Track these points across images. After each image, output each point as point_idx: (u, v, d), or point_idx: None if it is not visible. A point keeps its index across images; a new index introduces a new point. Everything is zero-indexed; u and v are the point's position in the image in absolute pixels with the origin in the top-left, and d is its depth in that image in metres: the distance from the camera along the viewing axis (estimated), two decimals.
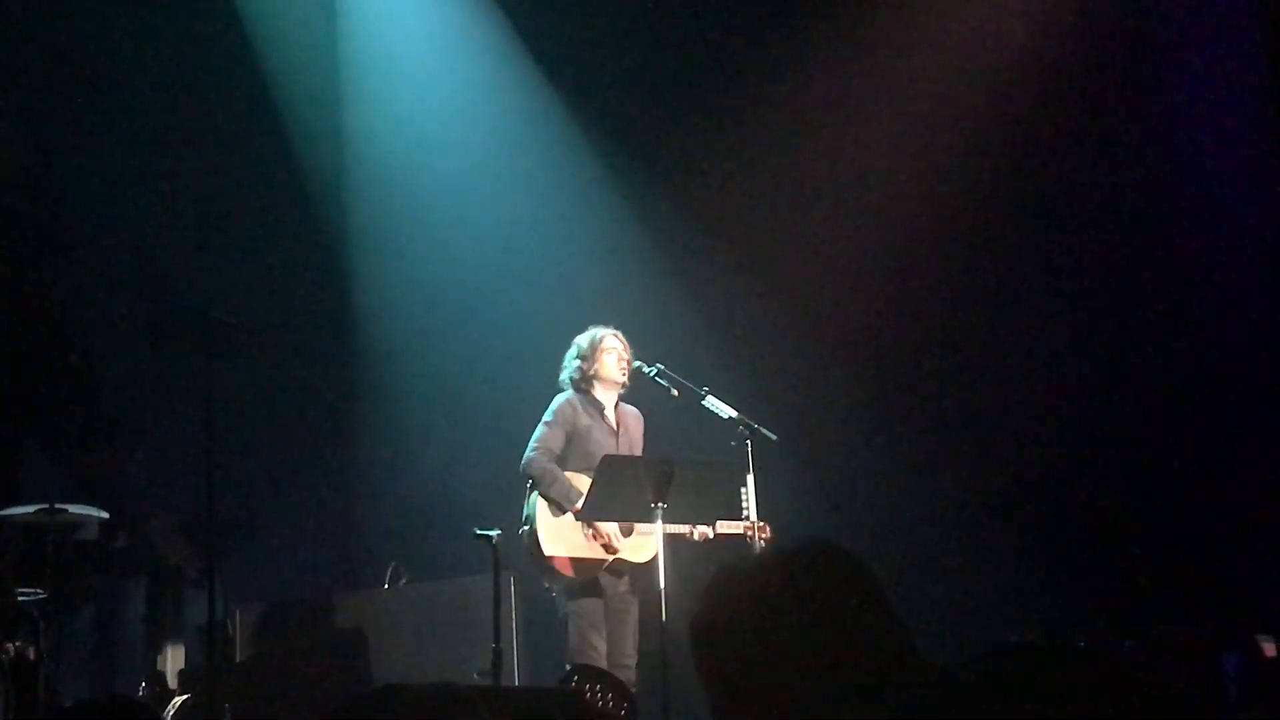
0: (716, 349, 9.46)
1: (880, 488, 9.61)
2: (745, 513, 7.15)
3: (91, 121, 9.60)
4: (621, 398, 7.81)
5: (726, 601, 2.21)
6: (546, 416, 7.61)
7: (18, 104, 9.37)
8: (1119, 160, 9.47)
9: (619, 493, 6.90)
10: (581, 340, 7.78)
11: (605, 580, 7.46)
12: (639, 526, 7.33)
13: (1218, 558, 8.82)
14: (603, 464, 6.98)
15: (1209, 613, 8.14)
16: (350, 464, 10.37)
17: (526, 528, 7.39)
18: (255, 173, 10.00)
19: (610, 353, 7.70)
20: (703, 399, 7.35)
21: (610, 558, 7.38)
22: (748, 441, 7.16)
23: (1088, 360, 9.45)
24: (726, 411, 7.30)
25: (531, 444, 7.51)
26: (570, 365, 7.76)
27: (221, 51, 9.79)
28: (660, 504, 6.73)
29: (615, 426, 7.72)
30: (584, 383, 7.72)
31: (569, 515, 7.36)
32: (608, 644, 7.40)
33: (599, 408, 7.70)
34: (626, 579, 7.48)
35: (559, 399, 7.69)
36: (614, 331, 7.78)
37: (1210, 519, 8.96)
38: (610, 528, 7.39)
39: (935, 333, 9.76)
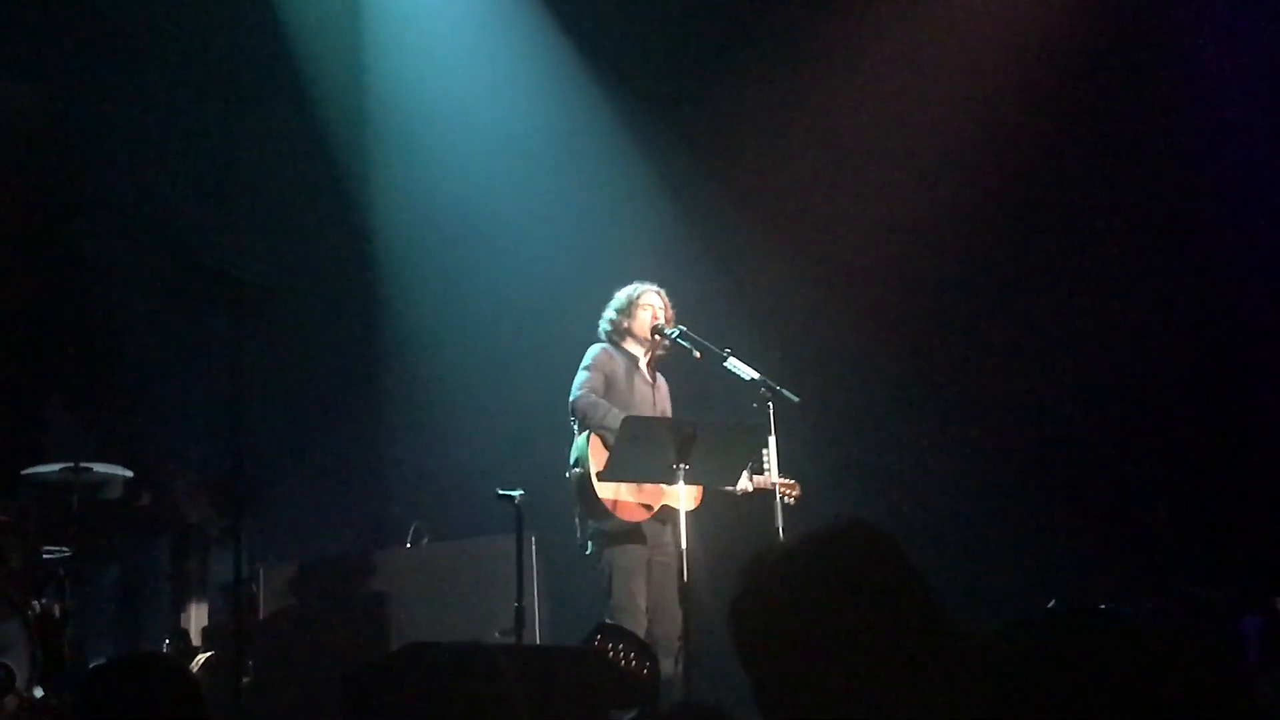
0: (738, 311, 9.46)
1: (903, 449, 9.63)
2: (767, 473, 7.14)
3: (114, 83, 9.61)
4: (659, 359, 7.82)
5: (762, 586, 2.23)
6: (584, 362, 7.61)
7: (40, 66, 9.38)
8: (1139, 118, 9.43)
9: (642, 453, 6.89)
10: (620, 294, 7.79)
11: (650, 529, 7.43)
12: None
13: (1239, 521, 8.82)
14: (625, 424, 6.97)
15: (1230, 576, 8.15)
16: (374, 424, 10.41)
17: (578, 470, 7.36)
18: (279, 133, 10.00)
19: (645, 309, 7.70)
20: (724, 361, 7.34)
21: (659, 504, 7.36)
22: (769, 403, 7.16)
23: (1110, 323, 9.43)
24: (748, 373, 7.29)
25: (575, 387, 7.50)
26: (606, 317, 7.78)
27: (243, 10, 9.78)
28: (683, 465, 6.73)
29: (650, 379, 7.73)
30: (617, 335, 7.74)
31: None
32: (654, 600, 7.39)
33: (633, 360, 7.72)
34: (670, 529, 7.45)
35: (594, 348, 7.69)
36: (655, 289, 7.77)
37: (1232, 482, 8.96)
38: None
39: (959, 296, 9.75)
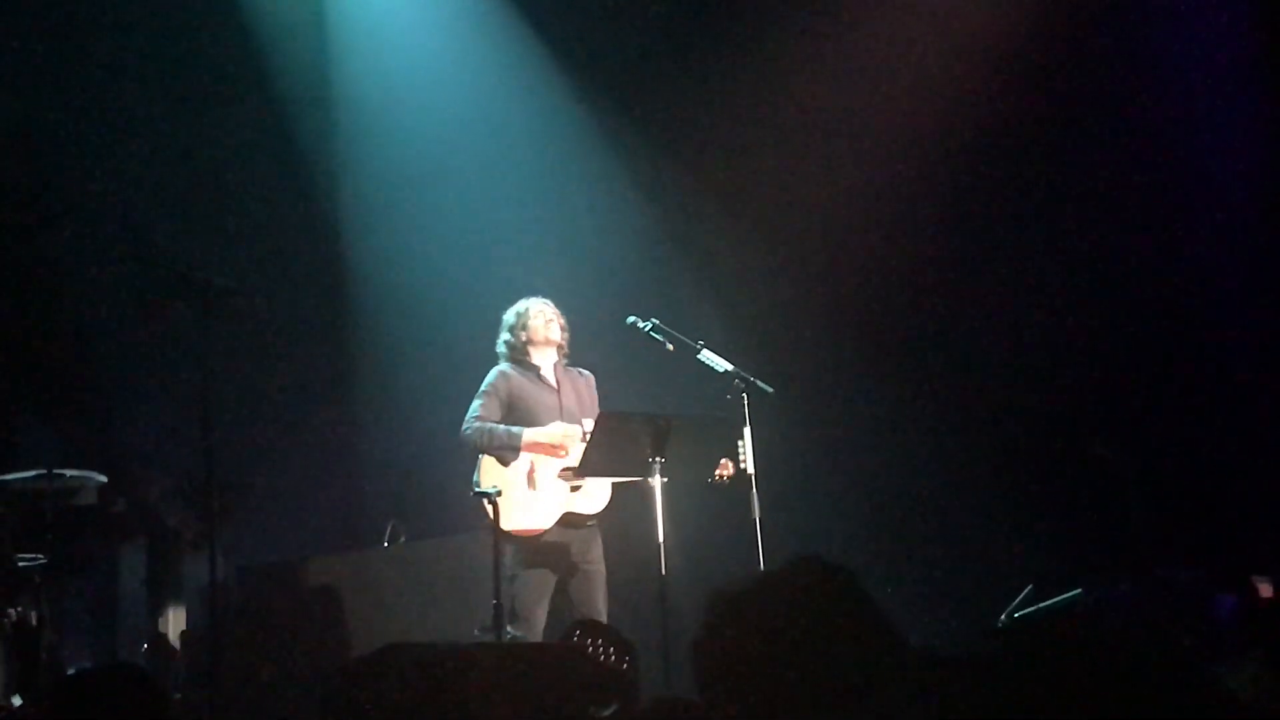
0: (711, 302, 9.47)
1: (875, 438, 9.64)
2: (744, 465, 7.15)
3: (79, 87, 9.56)
4: (571, 359, 7.88)
5: (722, 624, 2.29)
6: (480, 389, 7.65)
7: (4, 71, 9.32)
8: (1120, 107, 9.47)
9: (616, 449, 6.90)
10: (508, 315, 7.88)
11: (560, 535, 7.45)
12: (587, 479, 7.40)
13: (1214, 500, 8.86)
14: (600, 420, 6.99)
15: (1205, 555, 8.18)
16: (347, 423, 10.39)
17: (474, 493, 7.40)
18: (245, 134, 9.96)
19: (537, 315, 7.79)
20: (698, 353, 7.36)
21: (559, 513, 7.40)
22: (744, 394, 7.18)
23: (1082, 307, 9.47)
24: (722, 365, 7.31)
25: (466, 417, 7.54)
26: (501, 339, 7.83)
27: (209, 12, 9.74)
28: (658, 459, 6.74)
29: (554, 384, 7.74)
30: (517, 351, 7.77)
31: (514, 475, 7.37)
32: (580, 606, 7.43)
33: (535, 370, 7.74)
34: (586, 534, 7.51)
35: (492, 372, 7.74)
36: (541, 299, 7.87)
37: (1206, 461, 9.00)
38: (553, 480, 7.43)
39: (933, 286, 9.77)
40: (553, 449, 7.48)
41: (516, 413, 7.59)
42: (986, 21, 9.50)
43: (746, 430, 7.15)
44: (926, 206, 9.60)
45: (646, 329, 7.49)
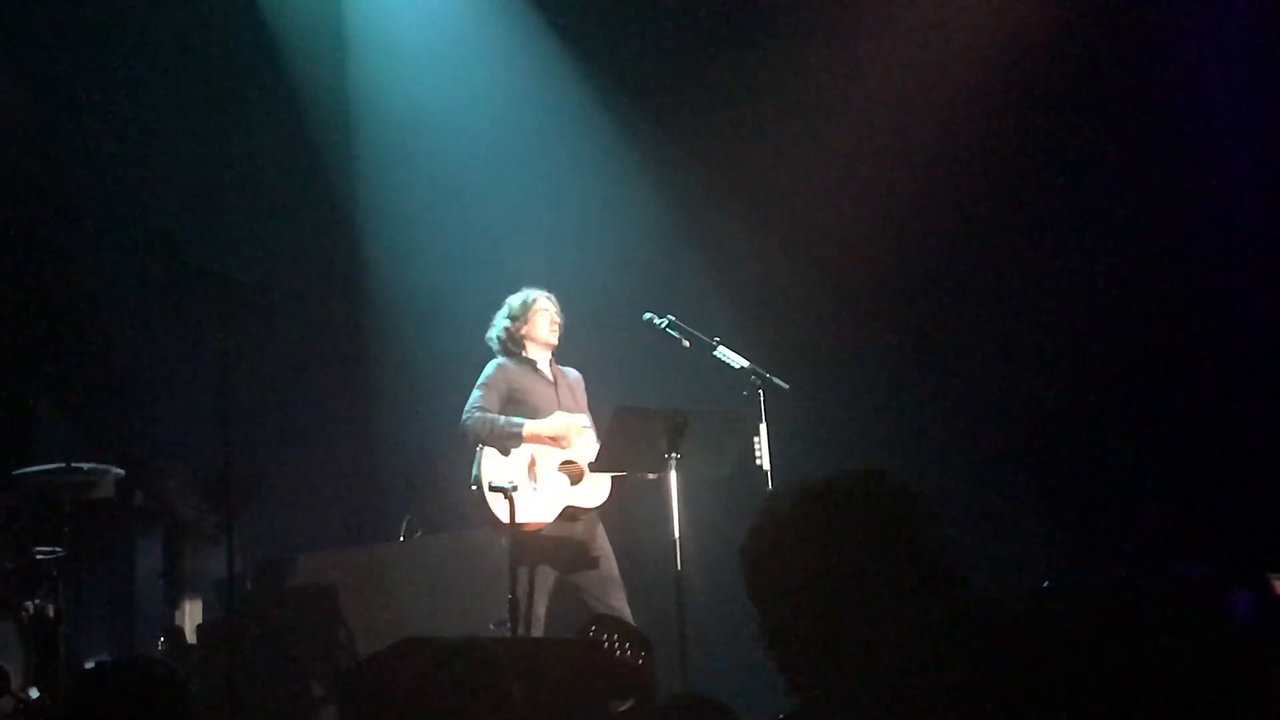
0: (727, 299, 9.47)
1: (890, 434, 9.63)
2: (759, 461, 7.16)
3: (102, 83, 9.60)
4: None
5: (776, 524, 2.22)
6: (479, 382, 7.64)
7: (29, 66, 9.36)
8: (1131, 105, 9.45)
9: (633, 445, 6.91)
10: (513, 300, 7.83)
11: (560, 529, 7.46)
12: (588, 471, 7.41)
13: (1230, 495, 8.84)
14: (616, 416, 7.00)
15: (1221, 551, 8.17)
16: (364, 418, 10.41)
17: (475, 488, 7.41)
18: (265, 130, 10.00)
19: (542, 314, 7.76)
20: (714, 350, 7.36)
21: (561, 506, 7.41)
22: (760, 391, 7.18)
23: (1097, 302, 9.44)
24: (738, 361, 7.31)
25: (466, 407, 7.55)
26: (499, 324, 7.81)
27: (229, 10, 9.77)
28: (674, 454, 6.75)
29: (552, 379, 7.76)
30: (513, 344, 7.76)
31: (513, 467, 7.39)
32: (593, 598, 7.43)
33: (531, 364, 7.75)
34: (586, 525, 7.52)
35: (490, 365, 7.73)
36: (546, 294, 7.84)
37: (1222, 456, 8.98)
38: (554, 474, 7.45)
39: (949, 281, 9.75)
40: (554, 440, 7.49)
41: (516, 406, 7.59)
42: (1001, 19, 9.49)
43: (762, 427, 7.15)
44: (943, 203, 9.58)
45: (663, 325, 7.48)
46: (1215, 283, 9.24)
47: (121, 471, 8.15)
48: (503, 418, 7.48)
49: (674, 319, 7.49)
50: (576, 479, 7.48)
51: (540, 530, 7.39)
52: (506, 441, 7.44)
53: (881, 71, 9.66)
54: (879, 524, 2.17)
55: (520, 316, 7.79)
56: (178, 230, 9.26)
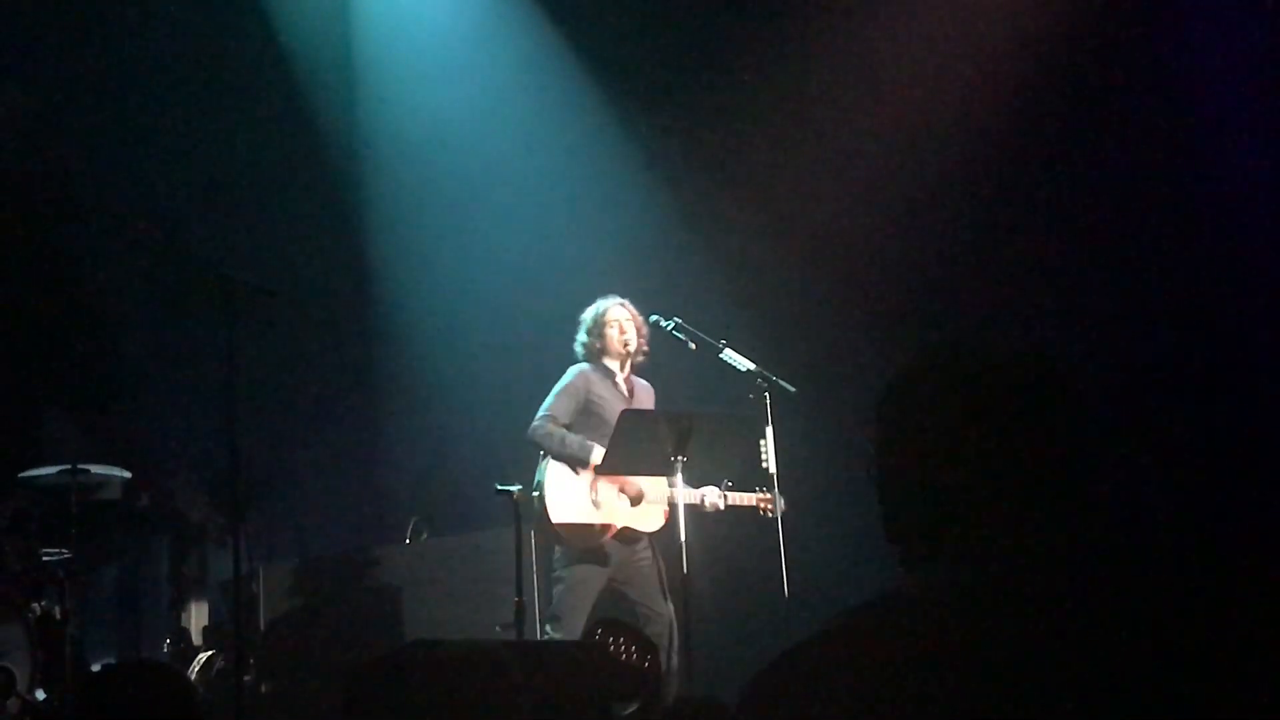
0: (734, 302, 9.46)
1: None
2: (765, 464, 7.15)
3: (109, 86, 9.61)
4: (639, 364, 7.83)
5: (916, 378, 2.18)
6: (557, 387, 7.62)
7: (36, 69, 9.37)
8: (1135, 104, 9.44)
9: (639, 447, 6.91)
10: (586, 315, 7.79)
11: (614, 549, 7.46)
12: (647, 495, 7.39)
13: (1242, 494, 8.81)
14: (622, 418, 7.00)
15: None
16: (371, 420, 10.41)
17: (536, 494, 7.41)
18: (272, 133, 10.00)
19: (612, 325, 7.70)
20: (720, 352, 7.35)
21: (618, 526, 7.40)
22: (766, 394, 7.17)
23: (1105, 303, 9.42)
24: (745, 364, 7.30)
25: (539, 412, 7.53)
26: (578, 338, 7.79)
27: (237, 13, 9.77)
28: (680, 457, 6.75)
29: (627, 393, 7.73)
30: (591, 356, 7.74)
31: (578, 482, 7.38)
32: (641, 602, 7.41)
33: (611, 376, 7.73)
34: (642, 547, 7.52)
35: (573, 370, 7.70)
36: (619, 301, 7.77)
37: (1230, 456, 8.96)
38: (615, 495, 7.45)
39: (955, 285, 9.74)
40: (621, 480, 7.47)
41: (591, 416, 7.56)
42: (1009, 19, 9.48)
43: (769, 430, 7.14)
44: (951, 205, 9.57)
45: (669, 328, 7.48)
46: (1232, 288, 9.21)
47: (128, 474, 8.16)
48: (576, 438, 7.42)
49: (680, 321, 7.48)
50: (636, 500, 7.45)
51: (591, 534, 7.40)
52: (574, 463, 7.44)
53: (893, 73, 9.65)
54: (1021, 396, 2.07)
55: (592, 331, 7.75)
56: (185, 233, 9.29)
